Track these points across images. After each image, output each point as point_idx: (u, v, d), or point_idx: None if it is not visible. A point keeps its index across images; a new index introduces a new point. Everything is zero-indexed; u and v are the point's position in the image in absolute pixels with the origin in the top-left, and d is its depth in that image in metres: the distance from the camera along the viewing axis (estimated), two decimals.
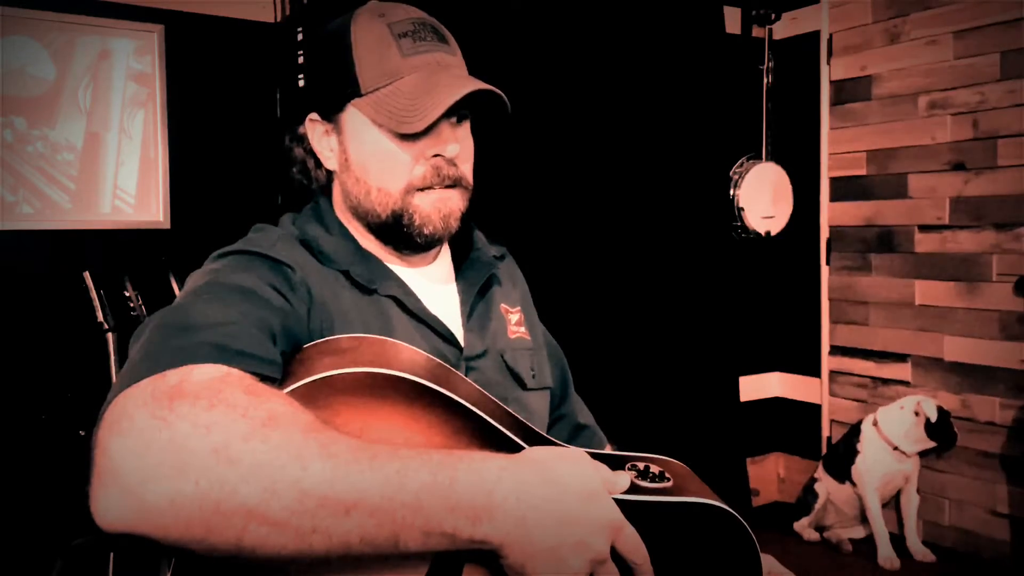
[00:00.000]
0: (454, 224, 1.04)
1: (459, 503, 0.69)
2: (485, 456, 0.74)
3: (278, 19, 2.69)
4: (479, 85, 0.97)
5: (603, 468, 0.81)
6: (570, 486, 0.75)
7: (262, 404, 0.68)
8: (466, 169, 1.05)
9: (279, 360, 0.80)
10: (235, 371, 0.72)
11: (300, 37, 2.56)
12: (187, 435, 0.64)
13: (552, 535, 0.72)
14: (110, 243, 2.50)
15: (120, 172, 2.53)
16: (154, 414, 0.65)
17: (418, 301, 1.03)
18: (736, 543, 0.91)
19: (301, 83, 2.55)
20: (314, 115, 1.05)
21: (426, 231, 1.02)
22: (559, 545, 0.73)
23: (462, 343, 1.05)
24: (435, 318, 1.03)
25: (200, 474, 0.63)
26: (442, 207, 1.02)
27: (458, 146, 1.01)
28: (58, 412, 2.34)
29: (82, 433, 2.17)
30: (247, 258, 0.94)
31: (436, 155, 1.00)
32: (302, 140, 1.08)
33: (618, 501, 0.80)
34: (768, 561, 0.98)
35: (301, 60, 2.56)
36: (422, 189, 1.01)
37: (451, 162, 1.01)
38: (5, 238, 2.37)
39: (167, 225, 2.59)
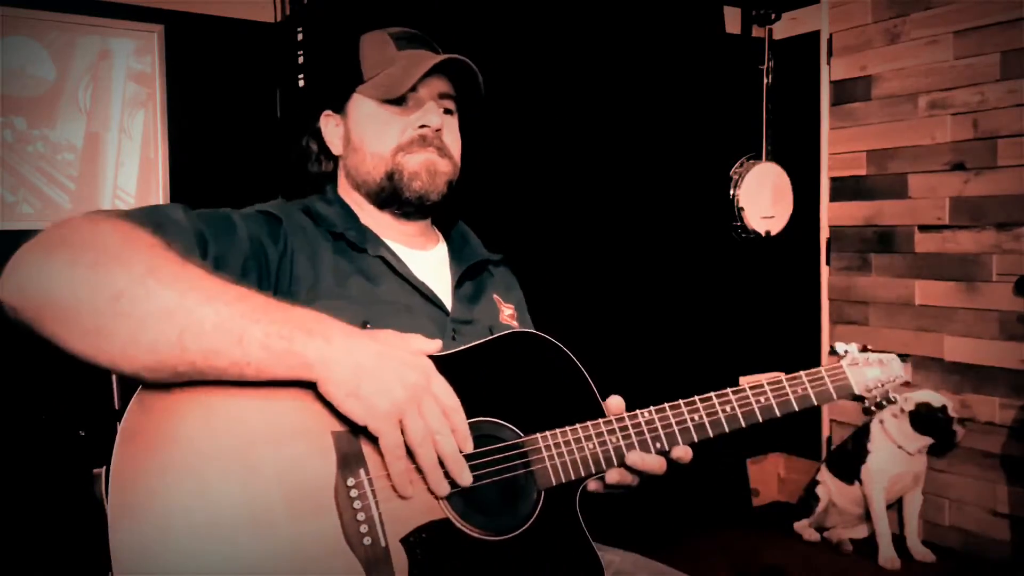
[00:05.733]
0: (441, 183, 1.20)
1: (301, 322, 0.87)
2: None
3: (278, 19, 2.69)
4: (452, 56, 1.17)
5: (418, 338, 0.97)
6: (394, 345, 0.93)
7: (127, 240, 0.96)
8: (452, 147, 1.23)
9: (195, 245, 0.98)
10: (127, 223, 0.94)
11: (300, 37, 2.56)
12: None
13: (373, 362, 0.88)
14: None
15: (120, 172, 2.53)
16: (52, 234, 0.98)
17: (406, 265, 1.16)
18: (552, 358, 1.03)
19: (301, 83, 2.55)
20: (328, 111, 1.26)
21: (415, 185, 1.18)
22: (381, 368, 0.88)
23: (449, 309, 1.17)
24: (423, 283, 1.16)
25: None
26: (429, 165, 1.18)
27: (440, 119, 1.20)
28: (58, 412, 2.34)
29: (82, 433, 2.17)
30: (246, 209, 1.12)
31: (422, 125, 1.18)
32: (317, 134, 1.27)
33: (434, 360, 0.95)
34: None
35: (301, 60, 2.56)
36: (409, 152, 1.18)
37: (436, 133, 1.19)
38: (5, 238, 2.37)
39: None
